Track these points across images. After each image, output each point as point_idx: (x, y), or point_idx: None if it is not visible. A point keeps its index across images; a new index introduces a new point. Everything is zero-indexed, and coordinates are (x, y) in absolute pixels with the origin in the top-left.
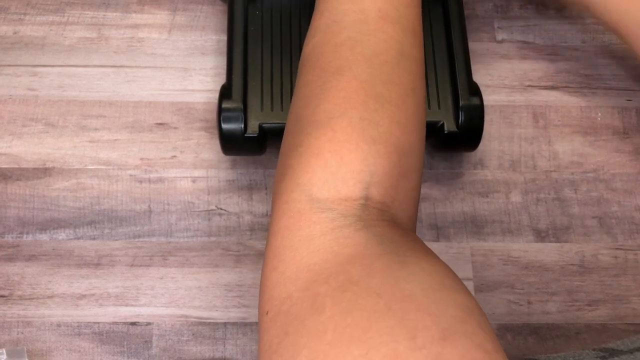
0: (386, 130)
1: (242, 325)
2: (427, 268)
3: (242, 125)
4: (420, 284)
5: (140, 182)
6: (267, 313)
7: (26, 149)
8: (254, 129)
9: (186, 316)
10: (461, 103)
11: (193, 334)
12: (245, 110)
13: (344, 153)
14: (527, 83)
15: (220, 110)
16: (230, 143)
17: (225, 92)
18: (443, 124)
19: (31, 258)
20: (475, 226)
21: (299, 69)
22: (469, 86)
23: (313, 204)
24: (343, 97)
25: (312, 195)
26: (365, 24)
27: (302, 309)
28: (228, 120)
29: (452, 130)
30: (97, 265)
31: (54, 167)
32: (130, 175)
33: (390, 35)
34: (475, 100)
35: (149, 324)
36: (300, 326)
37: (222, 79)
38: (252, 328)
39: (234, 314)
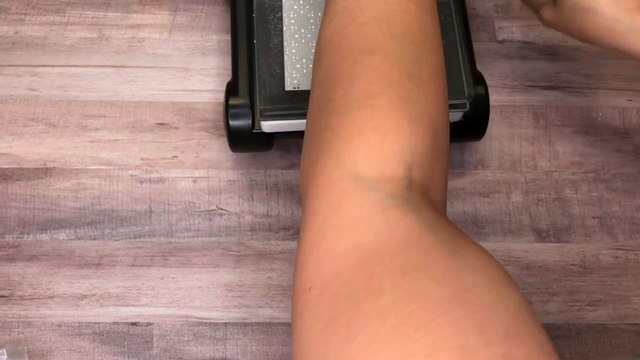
0: (423, 109)
1: (242, 326)
2: (484, 262)
3: (250, 122)
4: (482, 278)
5: (141, 182)
6: (309, 289)
7: (27, 149)
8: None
9: (187, 316)
10: (466, 92)
11: (194, 334)
12: (252, 106)
13: (387, 131)
14: (528, 83)
15: (227, 107)
16: (238, 139)
17: (231, 89)
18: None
19: (32, 258)
20: (476, 226)
21: (317, 53)
22: (474, 75)
23: (358, 182)
24: (378, 77)
25: (357, 173)
26: (389, 4)
27: (355, 288)
28: (236, 116)
29: (457, 119)
30: (98, 265)
31: (54, 167)
32: (131, 176)
33: (414, 16)
34: (480, 90)
35: (149, 324)
36: (354, 306)
37: (223, 79)
38: (252, 328)
39: (234, 314)
